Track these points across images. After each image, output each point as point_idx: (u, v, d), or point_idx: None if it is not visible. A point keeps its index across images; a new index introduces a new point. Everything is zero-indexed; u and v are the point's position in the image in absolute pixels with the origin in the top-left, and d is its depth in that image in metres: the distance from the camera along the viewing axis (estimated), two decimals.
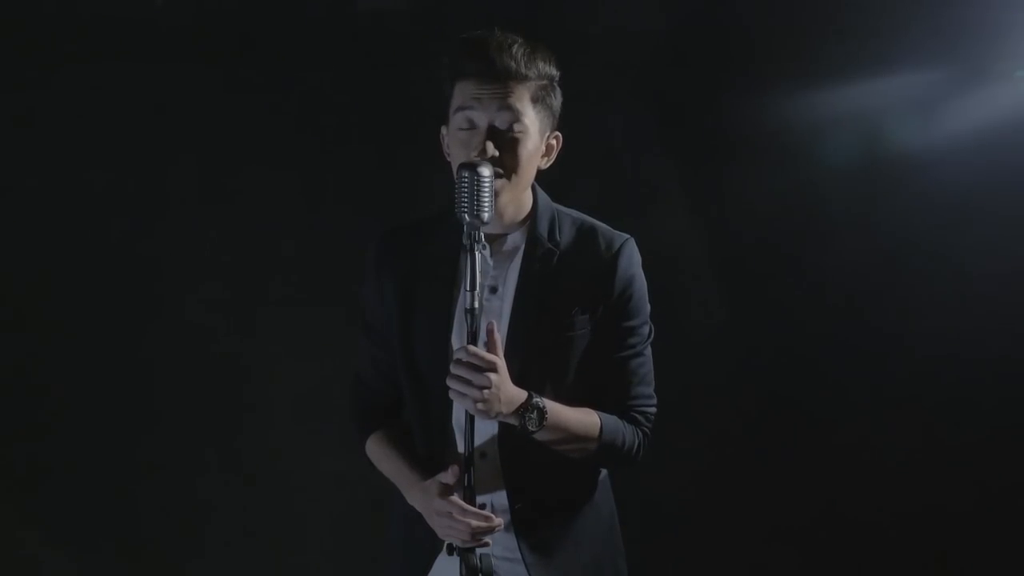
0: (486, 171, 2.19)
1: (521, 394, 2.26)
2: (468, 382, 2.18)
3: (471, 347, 2.20)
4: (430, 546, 2.37)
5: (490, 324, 2.25)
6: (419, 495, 2.35)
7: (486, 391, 2.19)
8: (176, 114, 3.79)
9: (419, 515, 2.34)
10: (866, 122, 3.78)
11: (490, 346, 2.23)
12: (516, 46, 2.30)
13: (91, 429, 3.82)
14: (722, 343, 3.85)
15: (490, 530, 2.24)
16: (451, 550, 2.28)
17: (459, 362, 2.19)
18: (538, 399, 2.27)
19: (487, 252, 2.35)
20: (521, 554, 2.36)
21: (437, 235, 2.42)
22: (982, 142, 3.72)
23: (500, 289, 2.38)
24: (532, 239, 2.39)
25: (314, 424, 3.82)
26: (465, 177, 2.18)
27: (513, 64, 2.29)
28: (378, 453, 2.51)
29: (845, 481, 3.84)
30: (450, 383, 2.20)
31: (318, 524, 3.87)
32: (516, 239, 2.41)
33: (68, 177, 3.79)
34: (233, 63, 3.80)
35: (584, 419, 2.35)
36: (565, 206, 2.49)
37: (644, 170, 3.86)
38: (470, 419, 2.22)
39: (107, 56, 3.75)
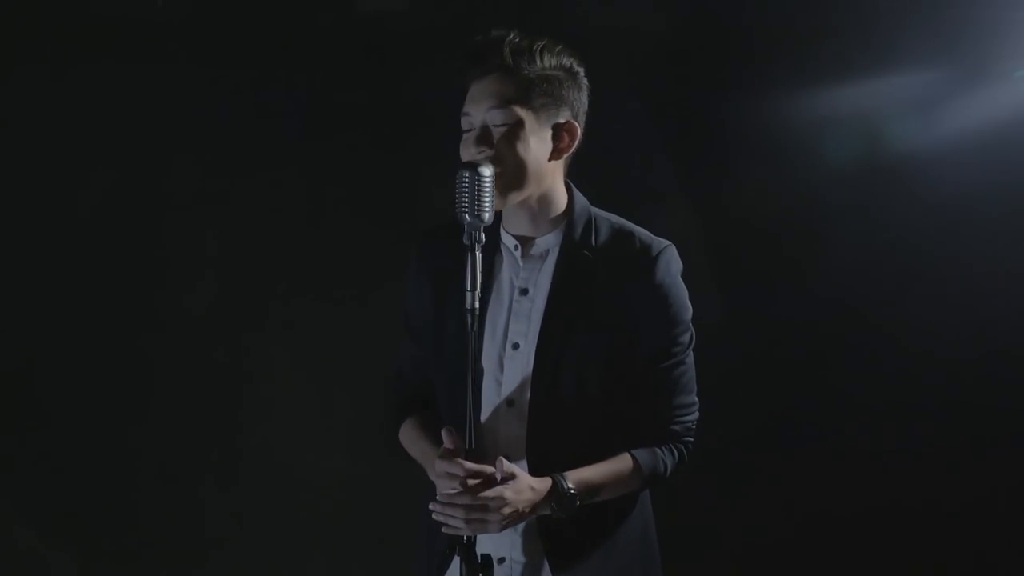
0: (487, 171, 2.18)
1: (545, 484, 2.23)
2: (482, 507, 2.15)
3: (461, 466, 2.17)
4: (448, 555, 2.36)
5: (499, 462, 2.21)
6: (432, 467, 2.32)
7: (506, 509, 2.17)
8: (176, 114, 3.79)
9: (438, 527, 2.26)
10: (866, 122, 3.78)
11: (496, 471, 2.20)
12: (507, 41, 2.29)
13: (91, 429, 3.82)
14: (721, 342, 3.84)
15: (486, 480, 2.19)
16: (454, 550, 2.25)
17: (455, 495, 2.16)
18: (563, 483, 2.24)
19: (518, 253, 2.36)
20: (546, 556, 2.33)
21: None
22: (982, 142, 3.72)
23: (531, 291, 2.36)
24: (567, 242, 2.37)
25: (315, 425, 3.82)
26: (466, 177, 2.17)
27: (500, 60, 2.28)
28: (407, 438, 2.51)
29: (844, 481, 3.83)
30: (464, 517, 2.15)
31: (318, 525, 3.87)
32: (549, 241, 2.39)
33: (69, 177, 3.79)
34: (233, 63, 3.80)
35: (616, 469, 2.33)
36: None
37: (643, 170, 3.86)
38: (475, 412, 2.22)
39: (107, 56, 3.75)
